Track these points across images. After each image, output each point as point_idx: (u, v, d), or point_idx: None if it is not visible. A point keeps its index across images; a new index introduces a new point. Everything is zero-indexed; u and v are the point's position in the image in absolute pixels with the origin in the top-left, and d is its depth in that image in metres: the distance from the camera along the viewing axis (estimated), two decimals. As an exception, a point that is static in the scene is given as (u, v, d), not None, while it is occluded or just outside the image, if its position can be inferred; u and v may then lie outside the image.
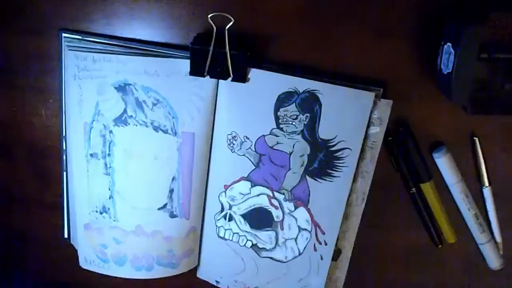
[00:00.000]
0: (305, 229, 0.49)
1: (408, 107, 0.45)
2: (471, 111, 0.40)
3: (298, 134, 0.46)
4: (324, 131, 0.46)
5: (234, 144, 0.48)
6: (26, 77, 0.50)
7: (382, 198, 0.49)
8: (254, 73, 0.45)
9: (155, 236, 0.51)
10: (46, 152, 0.53)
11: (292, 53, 0.45)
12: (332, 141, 0.46)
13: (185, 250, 0.52)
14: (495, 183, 0.47)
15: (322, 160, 0.47)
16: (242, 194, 0.50)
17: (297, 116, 0.46)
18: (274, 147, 0.47)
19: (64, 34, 0.47)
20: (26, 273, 0.61)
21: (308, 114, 0.45)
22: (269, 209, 0.50)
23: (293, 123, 0.46)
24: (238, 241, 0.52)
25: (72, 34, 0.47)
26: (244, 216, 0.50)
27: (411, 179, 0.48)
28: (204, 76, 0.45)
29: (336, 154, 0.46)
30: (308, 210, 0.49)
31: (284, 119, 0.46)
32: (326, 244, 0.49)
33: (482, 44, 0.36)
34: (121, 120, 0.47)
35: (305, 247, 0.50)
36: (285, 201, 0.49)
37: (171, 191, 0.49)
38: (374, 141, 0.46)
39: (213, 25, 0.42)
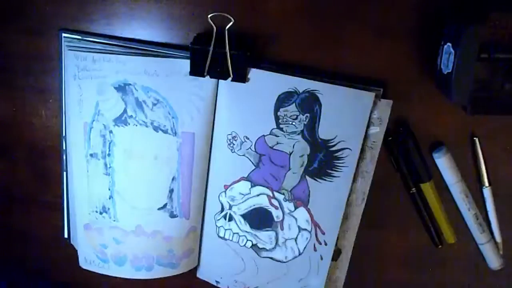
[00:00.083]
0: (305, 229, 0.49)
1: (408, 107, 0.45)
2: (471, 111, 0.40)
3: (298, 134, 0.46)
4: (324, 131, 0.46)
5: (234, 144, 0.48)
6: (26, 77, 0.50)
7: (382, 198, 0.49)
8: (254, 73, 0.45)
9: (155, 236, 0.51)
10: (46, 152, 0.53)
11: (292, 53, 0.45)
12: (332, 141, 0.46)
13: (185, 250, 0.52)
14: (495, 183, 0.47)
15: (322, 160, 0.46)
16: (242, 194, 0.50)
17: (297, 116, 0.46)
18: (274, 147, 0.47)
19: (64, 34, 0.47)
20: (26, 273, 0.61)
21: (308, 114, 0.45)
22: (269, 209, 0.50)
23: (293, 123, 0.46)
24: (238, 241, 0.52)
25: (72, 34, 0.47)
26: (244, 216, 0.50)
27: (411, 179, 0.48)
28: (204, 76, 0.45)
29: (336, 154, 0.46)
30: (308, 210, 0.49)
31: (284, 119, 0.46)
32: (326, 244, 0.49)
33: (482, 44, 0.36)
34: (121, 120, 0.47)
35: (305, 247, 0.50)
36: (285, 201, 0.49)
37: (171, 191, 0.49)
38: (374, 141, 0.46)
39: (213, 25, 0.42)
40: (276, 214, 0.50)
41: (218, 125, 0.47)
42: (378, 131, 0.45)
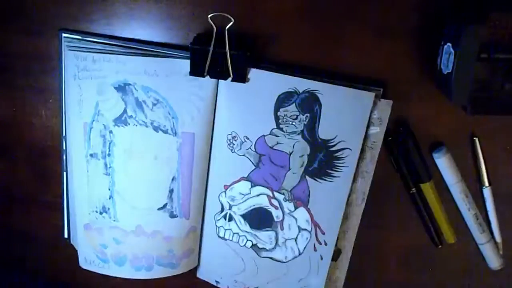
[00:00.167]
0: (305, 229, 0.49)
1: (408, 107, 0.45)
2: (471, 111, 0.40)
3: (298, 134, 0.46)
4: (324, 131, 0.46)
5: (234, 144, 0.48)
6: (26, 77, 0.50)
7: (382, 198, 0.49)
8: (254, 73, 0.45)
9: (155, 236, 0.51)
10: (46, 152, 0.53)
11: (292, 53, 0.45)
12: (332, 141, 0.46)
13: (185, 250, 0.52)
14: (495, 183, 0.47)
15: (322, 160, 0.46)
16: (242, 194, 0.50)
17: (297, 116, 0.46)
18: (274, 147, 0.47)
19: (64, 34, 0.47)
20: (26, 273, 0.61)
21: (308, 114, 0.45)
22: (269, 209, 0.50)
23: (293, 123, 0.46)
24: (238, 241, 0.52)
25: (72, 34, 0.47)
26: (244, 216, 0.50)
27: (411, 179, 0.48)
28: (204, 76, 0.45)
29: (336, 154, 0.46)
30: (308, 210, 0.49)
31: (284, 119, 0.46)
32: (326, 244, 0.49)
33: (482, 44, 0.36)
34: (121, 120, 0.47)
35: (305, 247, 0.50)
36: (285, 201, 0.49)
37: (171, 191, 0.49)
38: (374, 141, 0.46)
39: (213, 25, 0.42)
40: (276, 214, 0.50)
41: (218, 125, 0.47)
42: (378, 131, 0.45)
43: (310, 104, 0.45)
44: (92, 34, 0.47)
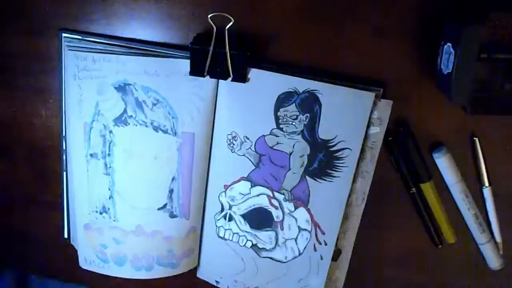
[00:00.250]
0: (305, 229, 0.49)
1: (408, 107, 0.45)
2: (471, 111, 0.40)
3: (298, 134, 0.46)
4: (324, 131, 0.46)
5: (234, 144, 0.48)
6: (26, 77, 0.50)
7: (382, 198, 0.49)
8: (254, 73, 0.45)
9: (155, 236, 0.51)
10: (46, 152, 0.53)
11: (292, 53, 0.45)
12: (332, 141, 0.46)
13: (185, 250, 0.52)
14: (495, 183, 0.47)
15: (322, 160, 0.46)
16: (242, 194, 0.50)
17: (297, 116, 0.46)
18: (274, 147, 0.47)
19: (64, 34, 0.47)
20: (26, 273, 0.61)
21: (308, 114, 0.45)
22: (269, 209, 0.50)
23: (293, 123, 0.46)
24: (238, 241, 0.52)
25: (72, 34, 0.47)
26: (244, 216, 0.50)
27: (411, 179, 0.48)
28: (204, 76, 0.45)
29: (336, 154, 0.46)
30: (308, 210, 0.49)
31: (284, 119, 0.46)
32: (326, 244, 0.49)
33: (482, 44, 0.36)
34: (121, 120, 0.47)
35: (305, 247, 0.50)
36: (285, 201, 0.49)
37: (171, 191, 0.49)
38: (374, 141, 0.46)
39: (213, 25, 0.42)
40: (276, 214, 0.50)
41: (218, 125, 0.47)
42: (378, 131, 0.45)
43: (310, 104, 0.45)
44: (92, 34, 0.47)
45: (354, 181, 0.47)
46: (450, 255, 0.51)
